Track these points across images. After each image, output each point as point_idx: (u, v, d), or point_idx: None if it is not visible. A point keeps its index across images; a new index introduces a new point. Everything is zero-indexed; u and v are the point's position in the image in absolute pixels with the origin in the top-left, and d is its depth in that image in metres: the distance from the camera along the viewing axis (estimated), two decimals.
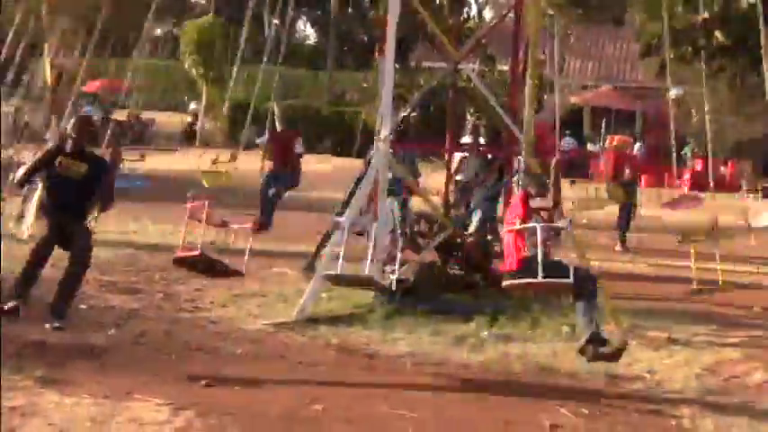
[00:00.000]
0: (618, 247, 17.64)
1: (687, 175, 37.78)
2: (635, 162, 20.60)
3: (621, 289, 12.17)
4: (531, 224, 8.55)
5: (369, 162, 12.18)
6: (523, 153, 11.44)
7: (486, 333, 10.12)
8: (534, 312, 10.91)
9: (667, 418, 7.75)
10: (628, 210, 18.22)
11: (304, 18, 65.36)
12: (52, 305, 8.67)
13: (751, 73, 38.43)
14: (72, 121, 9.38)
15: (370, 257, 9.98)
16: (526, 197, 8.92)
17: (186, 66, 40.83)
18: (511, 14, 12.59)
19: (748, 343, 10.54)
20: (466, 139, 16.73)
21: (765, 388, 8.85)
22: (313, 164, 22.49)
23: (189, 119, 41.99)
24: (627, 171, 18.70)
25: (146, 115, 41.11)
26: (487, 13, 48.53)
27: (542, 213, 9.19)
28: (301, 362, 8.84)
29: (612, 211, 18.41)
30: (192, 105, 42.44)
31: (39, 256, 8.77)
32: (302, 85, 49.08)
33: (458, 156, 14.00)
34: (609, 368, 9.04)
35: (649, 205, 20.22)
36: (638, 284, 13.87)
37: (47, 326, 8.57)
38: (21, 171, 9.37)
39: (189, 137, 39.85)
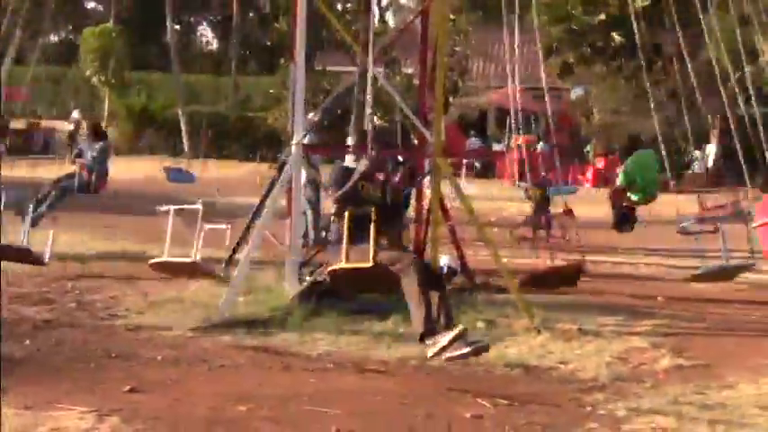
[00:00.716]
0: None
1: (590, 173, 38.51)
2: (540, 162, 21.07)
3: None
4: None
5: (281, 166, 12.30)
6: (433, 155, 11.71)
7: (403, 330, 10.29)
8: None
9: (582, 404, 7.98)
10: (545, 208, 18.62)
11: (205, 24, 65.13)
12: None
13: (646, 71, 39.33)
14: None
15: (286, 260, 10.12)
16: None
17: (87, 73, 40.45)
18: (418, 18, 12.83)
19: (654, 331, 10.91)
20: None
21: (672, 373, 9.19)
22: (222, 169, 22.47)
23: (71, 126, 40.00)
24: (542, 173, 19.13)
25: (45, 123, 40.63)
26: (390, 17, 48.93)
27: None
28: (222, 365, 8.89)
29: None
30: (74, 114, 41.09)
31: None
32: (205, 91, 48.90)
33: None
34: (524, 361, 9.35)
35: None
36: None
37: None
38: None
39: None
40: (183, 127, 40.91)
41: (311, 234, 13.86)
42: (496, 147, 42.37)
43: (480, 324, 10.64)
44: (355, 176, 9.24)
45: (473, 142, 40.94)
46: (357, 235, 8.70)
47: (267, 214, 11.51)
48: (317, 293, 11.07)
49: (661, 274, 15.47)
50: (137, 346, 9.50)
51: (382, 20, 39.88)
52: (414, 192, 12.69)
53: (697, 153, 38.01)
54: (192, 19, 63.67)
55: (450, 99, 29.46)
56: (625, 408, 7.86)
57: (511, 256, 15.08)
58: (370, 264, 8.54)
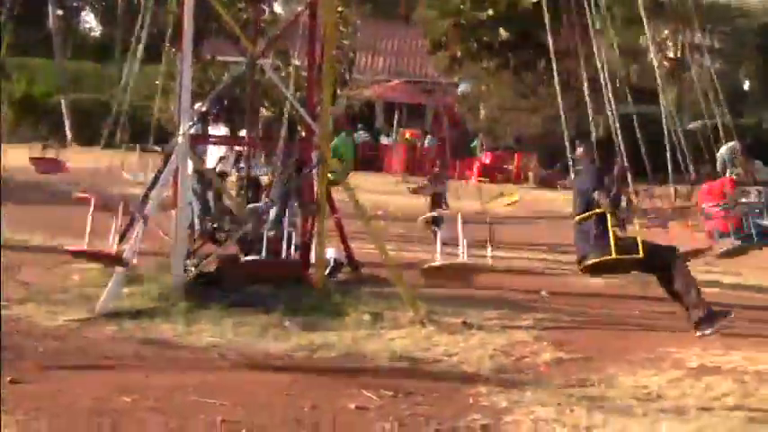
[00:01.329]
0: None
1: (475, 167, 38.93)
2: (426, 155, 21.42)
3: (414, 277, 12.54)
4: None
5: (167, 157, 12.19)
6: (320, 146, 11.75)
7: (288, 323, 10.32)
8: (335, 301, 11.21)
9: (465, 396, 8.09)
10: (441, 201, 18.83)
11: (88, 9, 64.06)
12: None
13: (532, 68, 39.93)
14: None
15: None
16: None
17: None
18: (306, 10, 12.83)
19: (537, 325, 11.13)
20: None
21: (553, 366, 9.39)
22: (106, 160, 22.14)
23: None
24: (436, 168, 19.35)
25: None
26: (278, 7, 48.73)
27: None
28: (107, 356, 8.81)
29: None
30: None
31: None
32: (88, 78, 48.08)
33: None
34: (409, 353, 9.46)
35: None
36: None
37: None
38: None
39: None
40: (65, 113, 40.25)
41: (197, 225, 13.77)
42: (384, 140, 42.58)
43: (366, 317, 10.73)
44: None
45: (361, 135, 41.05)
46: None
47: (153, 205, 11.40)
48: (202, 284, 11.03)
49: (544, 268, 15.74)
50: (18, 337, 9.32)
51: (271, 10, 39.67)
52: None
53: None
54: (75, 4, 62.58)
55: (338, 92, 29.43)
56: (507, 399, 8.00)
57: (398, 249, 15.19)
58: None
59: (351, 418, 7.40)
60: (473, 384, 8.47)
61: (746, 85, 64.20)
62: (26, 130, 41.07)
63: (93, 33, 64.64)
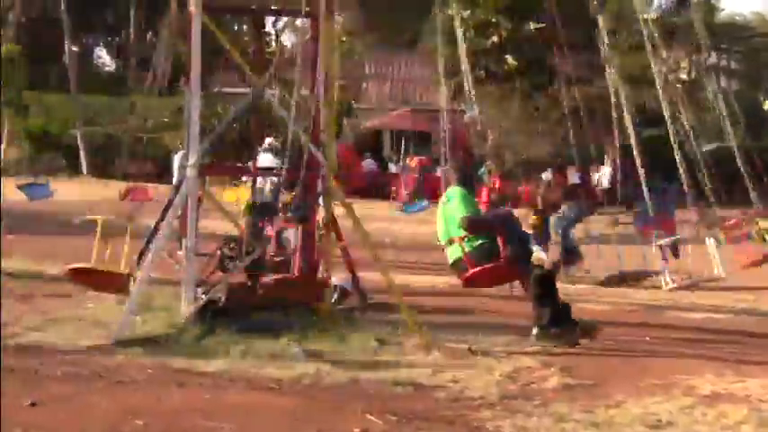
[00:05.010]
0: None
1: (484, 194, 38.91)
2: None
3: (420, 304, 12.69)
4: None
5: (177, 187, 12.35)
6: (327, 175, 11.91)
7: (296, 349, 10.45)
8: (342, 328, 11.35)
9: (470, 421, 8.20)
10: None
11: (102, 45, 64.59)
12: None
13: (539, 94, 40.12)
14: None
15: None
16: None
17: None
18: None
19: (543, 351, 11.21)
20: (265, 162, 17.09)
21: (560, 392, 9.45)
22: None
23: None
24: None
25: None
26: (285, 38, 48.97)
27: None
28: (120, 381, 9.00)
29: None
30: None
31: None
32: (102, 112, 48.38)
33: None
34: (414, 379, 9.57)
35: None
36: (439, 299, 14.45)
37: None
38: None
39: None
40: (80, 146, 40.66)
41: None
42: (392, 168, 42.62)
43: (373, 343, 10.88)
44: None
45: (368, 163, 41.20)
46: None
47: (164, 234, 11.59)
48: (211, 312, 11.19)
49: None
50: (36, 362, 9.53)
51: (277, 41, 39.82)
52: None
53: (595, 176, 38.81)
54: (90, 40, 63.12)
55: (344, 121, 29.60)
56: (512, 425, 8.09)
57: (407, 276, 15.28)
58: None
59: None
60: (478, 410, 8.57)
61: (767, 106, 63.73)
62: (42, 164, 41.46)
63: (107, 68, 65.11)
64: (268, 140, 19.23)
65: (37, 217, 22.14)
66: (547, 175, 19.99)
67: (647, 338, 12.37)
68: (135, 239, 13.52)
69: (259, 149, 18.03)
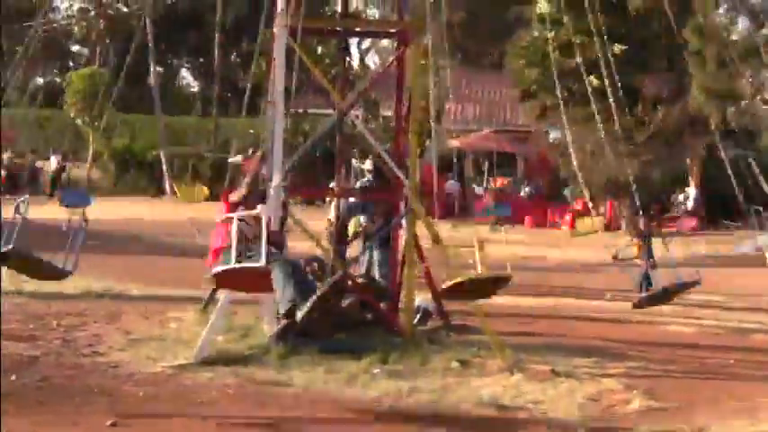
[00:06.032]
0: None
1: (568, 216, 38.63)
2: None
3: (503, 325, 12.58)
4: None
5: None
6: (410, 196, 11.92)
7: (377, 370, 10.46)
8: (424, 349, 11.32)
9: None
10: None
11: (186, 66, 65.44)
12: None
13: (624, 115, 39.69)
14: None
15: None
16: None
17: (72, 115, 40.68)
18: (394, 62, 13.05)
19: (626, 373, 11.07)
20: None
21: (643, 415, 9.35)
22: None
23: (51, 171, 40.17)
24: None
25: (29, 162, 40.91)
26: (370, 59, 49.30)
27: None
28: (201, 401, 9.10)
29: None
30: (53, 159, 41.03)
31: None
32: (187, 133, 48.97)
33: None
34: (496, 400, 9.53)
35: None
36: (521, 320, 14.35)
37: None
38: None
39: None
40: (164, 167, 41.22)
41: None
42: (476, 189, 42.44)
43: (455, 364, 10.83)
44: None
45: (452, 184, 41.09)
46: None
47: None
48: (293, 333, 11.22)
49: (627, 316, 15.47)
50: (119, 382, 9.69)
51: (362, 62, 40.18)
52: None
53: (681, 197, 38.32)
54: (174, 61, 64.02)
55: (427, 142, 29.56)
56: None
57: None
58: None
59: None
60: None
61: None
62: (126, 183, 42.08)
63: (191, 89, 65.96)
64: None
65: (122, 237, 22.45)
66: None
67: (732, 361, 12.17)
68: None
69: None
